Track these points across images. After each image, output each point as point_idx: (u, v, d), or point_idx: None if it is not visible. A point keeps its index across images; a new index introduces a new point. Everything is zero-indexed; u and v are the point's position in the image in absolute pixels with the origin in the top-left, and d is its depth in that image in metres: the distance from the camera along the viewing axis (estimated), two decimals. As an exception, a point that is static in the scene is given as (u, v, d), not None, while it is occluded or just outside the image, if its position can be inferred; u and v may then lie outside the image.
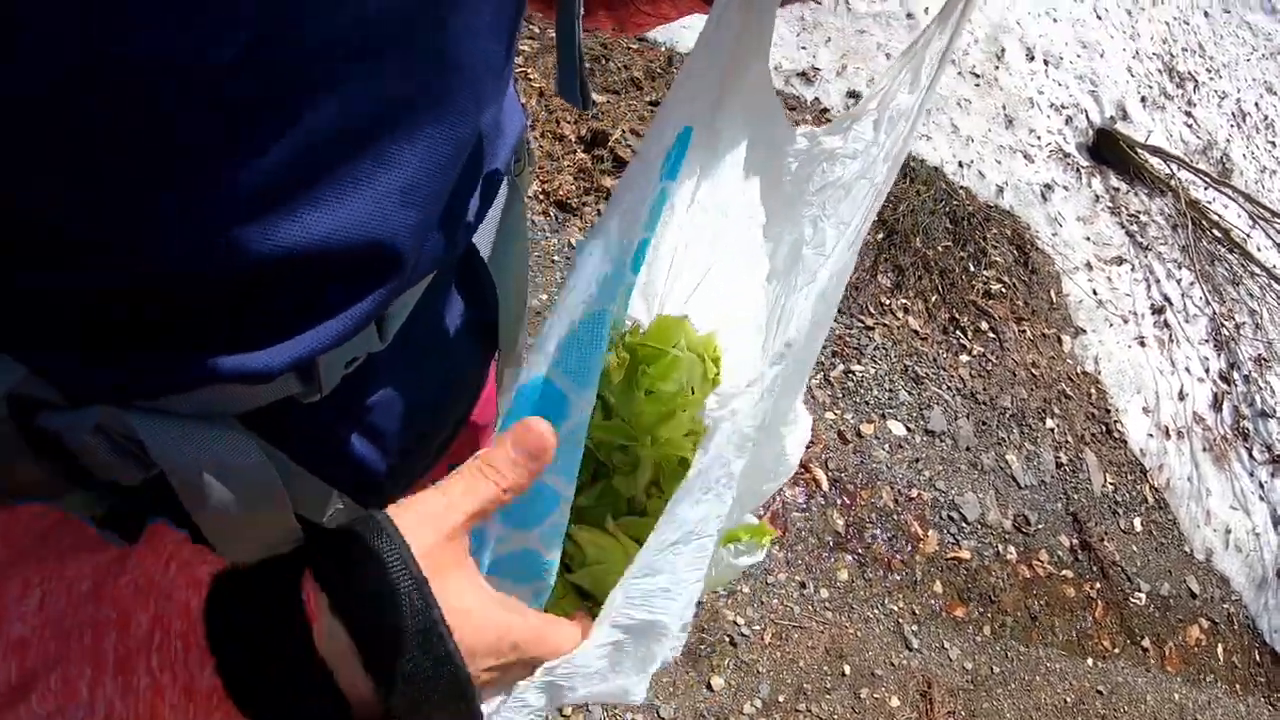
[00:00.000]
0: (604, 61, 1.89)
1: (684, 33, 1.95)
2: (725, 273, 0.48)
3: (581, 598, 0.43)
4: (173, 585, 0.26)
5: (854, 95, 2.12)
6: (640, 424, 0.44)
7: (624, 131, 1.74)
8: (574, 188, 1.66)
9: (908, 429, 1.79)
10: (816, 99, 2.07)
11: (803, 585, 1.56)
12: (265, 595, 0.26)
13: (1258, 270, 2.66)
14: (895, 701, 1.58)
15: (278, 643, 0.25)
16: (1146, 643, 2.00)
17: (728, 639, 1.47)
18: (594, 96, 1.89)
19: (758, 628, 1.50)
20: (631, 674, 0.34)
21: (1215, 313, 2.52)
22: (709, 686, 1.43)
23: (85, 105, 0.23)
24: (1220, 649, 2.13)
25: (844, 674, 1.55)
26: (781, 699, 1.47)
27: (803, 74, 2.10)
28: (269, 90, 0.26)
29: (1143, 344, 2.31)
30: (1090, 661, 1.89)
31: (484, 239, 0.46)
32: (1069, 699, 1.82)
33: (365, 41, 0.28)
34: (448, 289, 0.45)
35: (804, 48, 2.16)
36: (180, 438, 0.32)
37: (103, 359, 0.30)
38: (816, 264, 0.44)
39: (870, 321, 1.83)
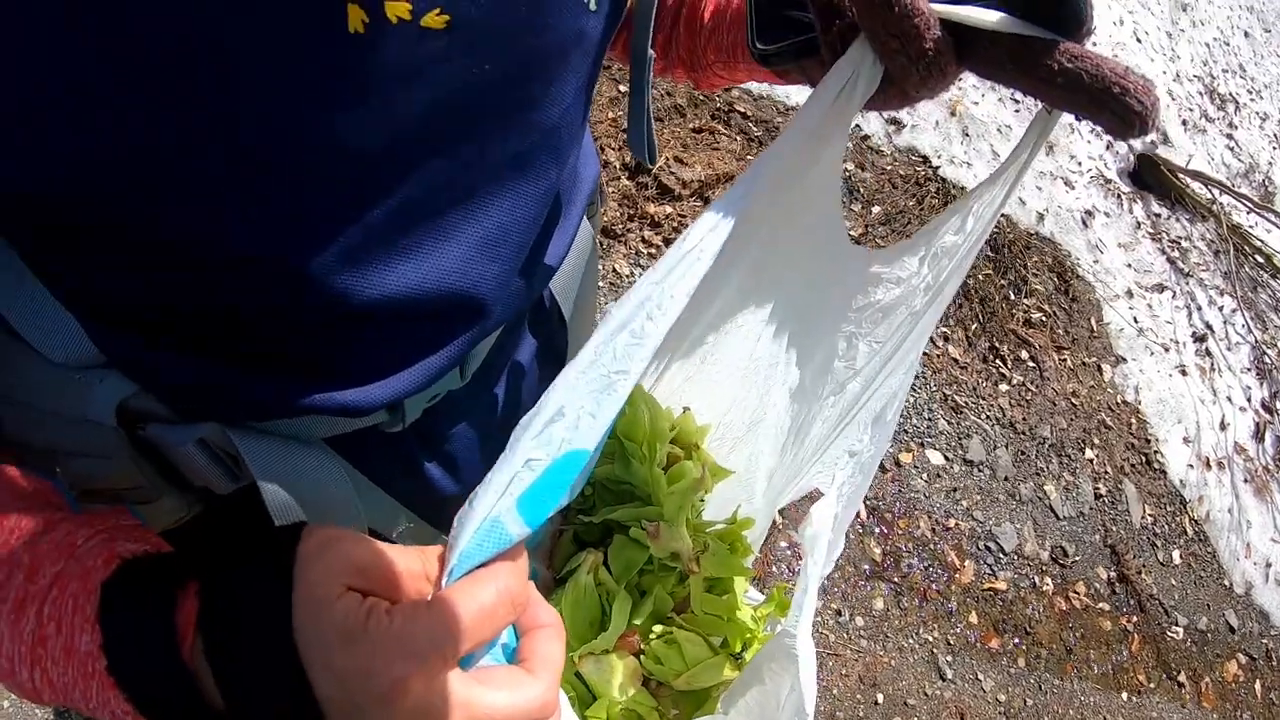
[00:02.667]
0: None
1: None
2: (732, 363, 0.49)
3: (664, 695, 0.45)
4: (87, 553, 0.27)
5: (894, 122, 2.12)
6: (660, 492, 0.47)
7: (668, 159, 1.76)
8: (618, 214, 1.69)
9: (946, 458, 1.79)
10: (857, 126, 2.08)
11: (838, 613, 1.57)
12: (155, 589, 0.26)
13: (1302, 298, 2.61)
14: (929, 732, 1.57)
15: (148, 637, 0.25)
16: (1183, 677, 1.97)
17: (764, 665, 1.48)
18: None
19: (794, 655, 1.51)
20: None
21: (1257, 340, 2.48)
22: (745, 712, 1.44)
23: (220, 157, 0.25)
24: (1258, 685, 2.09)
25: (877, 703, 1.55)
26: (816, 727, 1.48)
27: (843, 99, 2.11)
28: (385, 155, 0.28)
29: (1184, 373, 2.28)
30: (1125, 696, 1.86)
31: (560, 280, 0.49)
32: (1103, 733, 1.80)
33: (468, 110, 0.30)
34: (522, 325, 0.48)
35: (844, 72, 2.16)
36: (274, 456, 0.34)
37: (222, 385, 0.32)
38: (845, 377, 0.47)
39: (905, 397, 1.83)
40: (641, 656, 0.45)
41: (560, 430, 0.27)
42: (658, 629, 0.46)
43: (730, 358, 0.49)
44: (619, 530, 0.48)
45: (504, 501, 0.26)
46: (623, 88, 1.89)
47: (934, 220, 0.41)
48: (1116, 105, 0.30)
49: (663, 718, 0.46)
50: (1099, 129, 2.54)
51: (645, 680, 0.46)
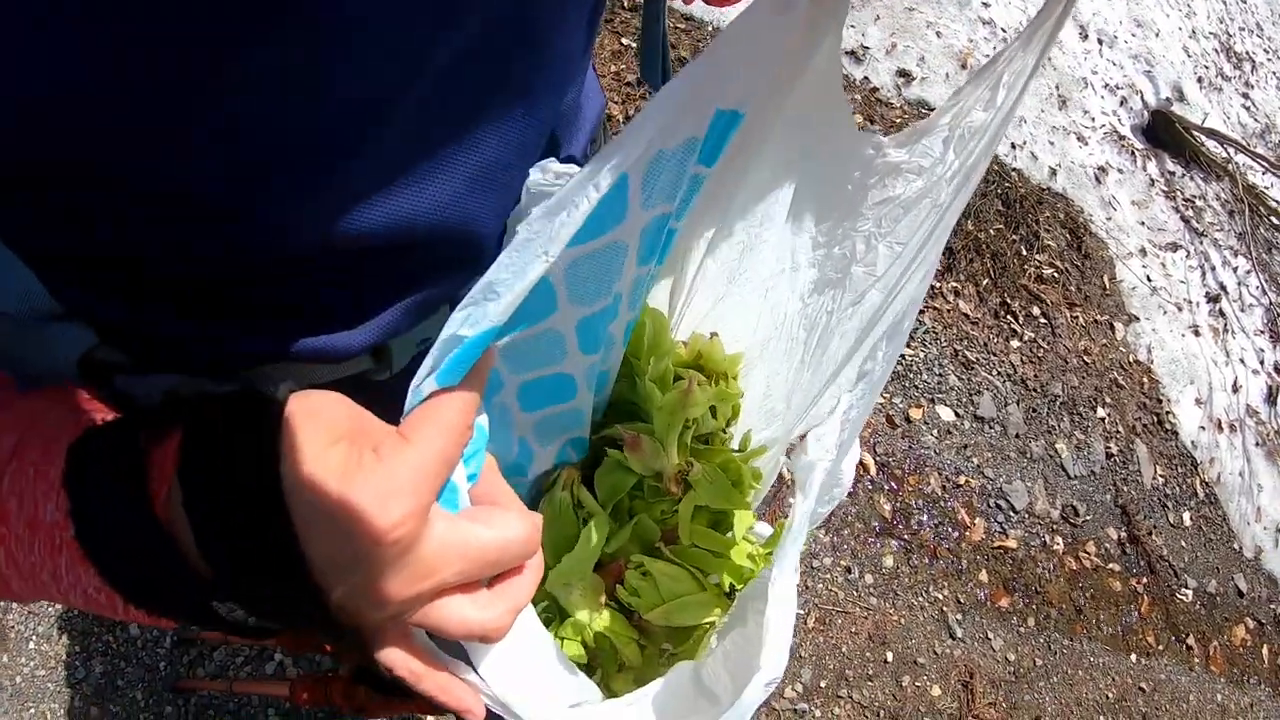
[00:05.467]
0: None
1: (733, 13, 1.90)
2: (759, 280, 0.45)
3: (628, 619, 0.43)
4: (49, 422, 0.25)
5: (904, 74, 2.06)
6: (652, 402, 0.44)
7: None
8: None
9: (957, 415, 1.75)
10: (866, 78, 2.01)
11: (848, 570, 1.54)
12: (127, 447, 0.23)
13: (1317, 260, 2.56)
14: (936, 690, 1.55)
15: (118, 494, 0.22)
16: (1191, 641, 1.95)
17: (771, 622, 1.45)
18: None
19: (801, 612, 1.48)
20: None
21: (1272, 302, 2.43)
22: (752, 669, 1.41)
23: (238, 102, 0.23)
24: (1265, 650, 2.08)
25: (886, 661, 1.52)
26: (823, 684, 1.45)
27: (851, 52, 2.05)
28: (378, 89, 0.26)
29: (1197, 333, 2.24)
30: (1134, 658, 1.84)
31: None
32: (1110, 694, 1.78)
33: (463, 35, 0.27)
34: None
35: (853, 26, 2.10)
36: None
37: (187, 333, 0.30)
38: (865, 284, 0.42)
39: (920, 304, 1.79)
40: (620, 587, 0.42)
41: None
42: (637, 559, 0.43)
43: (759, 275, 0.45)
44: (612, 450, 0.45)
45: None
46: (625, 40, 1.82)
47: (957, 93, 0.35)
48: None
49: (645, 650, 0.43)
50: (1109, 77, 2.44)
51: (630, 612, 0.43)
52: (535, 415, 0.40)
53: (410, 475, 0.22)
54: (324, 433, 0.23)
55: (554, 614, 0.43)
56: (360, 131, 0.26)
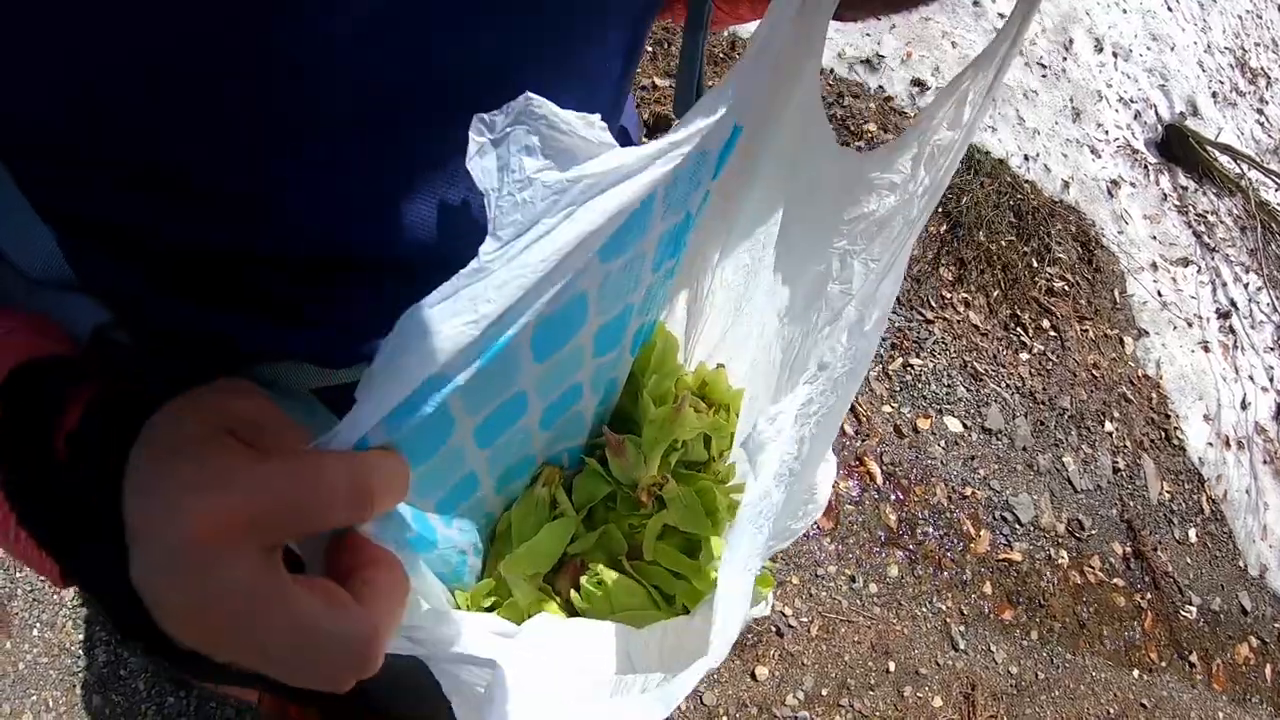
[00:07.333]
0: (665, 46, 1.85)
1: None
2: (759, 307, 0.46)
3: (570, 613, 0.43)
4: (11, 336, 0.25)
5: (918, 84, 2.06)
6: (645, 415, 0.44)
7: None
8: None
9: (964, 426, 1.74)
10: (880, 87, 2.01)
11: (852, 579, 1.53)
12: (54, 385, 0.24)
13: (1329, 278, 2.55)
14: (938, 702, 1.54)
15: (28, 430, 0.23)
16: (1194, 658, 1.94)
17: (774, 629, 1.45)
18: (655, 81, 1.85)
19: (805, 619, 1.47)
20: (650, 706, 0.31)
21: (1282, 320, 2.42)
22: (753, 676, 1.41)
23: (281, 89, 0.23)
24: (1269, 669, 2.07)
25: (888, 671, 1.52)
26: (824, 692, 1.45)
27: (867, 61, 2.04)
28: (409, 104, 0.26)
29: (1206, 349, 2.23)
30: (1136, 673, 1.83)
31: None
32: (1112, 710, 1.77)
33: (504, 50, 0.27)
34: None
35: (868, 34, 2.09)
36: None
37: (196, 325, 0.30)
38: (841, 302, 0.41)
39: (930, 315, 1.78)
40: (575, 593, 0.42)
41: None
42: (596, 568, 0.42)
43: (759, 301, 0.45)
44: (589, 459, 0.45)
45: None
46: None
47: (924, 113, 0.36)
48: None
49: None
50: (1124, 90, 2.43)
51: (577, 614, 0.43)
52: (548, 434, 0.41)
53: (245, 485, 0.20)
54: (212, 417, 0.21)
55: (502, 599, 0.43)
56: (390, 117, 0.26)
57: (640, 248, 0.32)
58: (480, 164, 0.21)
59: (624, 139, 0.43)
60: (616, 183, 0.23)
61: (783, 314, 0.45)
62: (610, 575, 0.42)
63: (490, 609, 0.41)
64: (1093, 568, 1.82)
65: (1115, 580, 1.86)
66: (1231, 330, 2.30)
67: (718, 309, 0.46)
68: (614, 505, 0.45)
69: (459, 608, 0.41)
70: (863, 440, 1.66)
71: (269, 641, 0.20)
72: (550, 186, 0.21)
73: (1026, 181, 2.09)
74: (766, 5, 0.40)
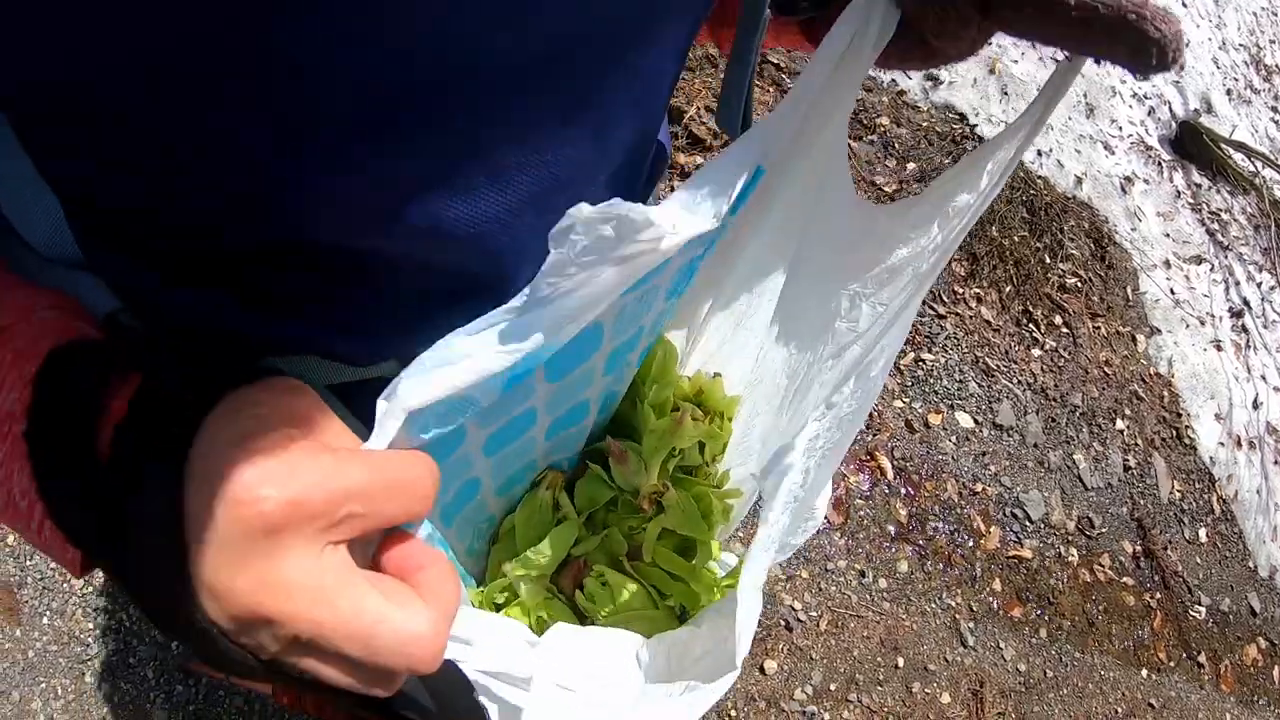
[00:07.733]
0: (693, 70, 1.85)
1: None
2: (760, 327, 0.48)
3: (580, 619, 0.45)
4: (44, 320, 0.25)
5: (932, 78, 2.04)
6: (645, 425, 0.46)
7: (699, 109, 1.69)
8: (645, 157, 1.63)
9: (976, 422, 1.73)
10: (893, 81, 2.00)
11: (862, 574, 1.53)
12: (96, 370, 0.23)
13: (1342, 278, 2.53)
14: (946, 698, 1.54)
15: (70, 419, 0.22)
16: (1203, 658, 1.93)
17: (784, 623, 1.44)
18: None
19: (814, 614, 1.47)
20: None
21: (1295, 320, 2.40)
22: (761, 670, 1.40)
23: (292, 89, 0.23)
24: (1277, 671, 2.06)
25: (897, 666, 1.51)
26: (833, 687, 1.44)
27: (879, 50, 2.03)
28: (409, 104, 0.25)
29: (1219, 348, 2.21)
30: (1144, 673, 1.83)
31: None
32: (1120, 709, 1.76)
33: (567, 44, 0.27)
34: None
35: (880, 23, 2.08)
36: None
37: (211, 315, 0.30)
38: (847, 339, 0.44)
39: (943, 310, 1.77)
40: (580, 591, 0.44)
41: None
42: (599, 568, 0.45)
43: (760, 322, 0.48)
44: (592, 464, 0.47)
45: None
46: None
47: (946, 176, 0.37)
48: (1131, 34, 0.28)
49: None
50: (1137, 86, 2.40)
51: (582, 616, 0.45)
52: (550, 443, 0.42)
53: (315, 476, 0.20)
54: (272, 414, 0.21)
55: (510, 598, 0.45)
56: (390, 117, 0.25)
57: (657, 281, 0.33)
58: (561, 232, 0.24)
59: (660, 153, 0.43)
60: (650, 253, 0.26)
61: (789, 340, 0.47)
62: (613, 575, 0.44)
63: (499, 607, 0.43)
64: (1102, 566, 1.81)
65: (1125, 579, 1.85)
66: (1244, 329, 2.29)
67: (717, 323, 0.48)
68: (614, 508, 0.47)
69: (471, 605, 0.42)
70: (874, 435, 1.65)
71: (332, 635, 0.20)
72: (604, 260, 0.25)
73: (1039, 177, 2.08)
74: (795, 33, 0.40)
